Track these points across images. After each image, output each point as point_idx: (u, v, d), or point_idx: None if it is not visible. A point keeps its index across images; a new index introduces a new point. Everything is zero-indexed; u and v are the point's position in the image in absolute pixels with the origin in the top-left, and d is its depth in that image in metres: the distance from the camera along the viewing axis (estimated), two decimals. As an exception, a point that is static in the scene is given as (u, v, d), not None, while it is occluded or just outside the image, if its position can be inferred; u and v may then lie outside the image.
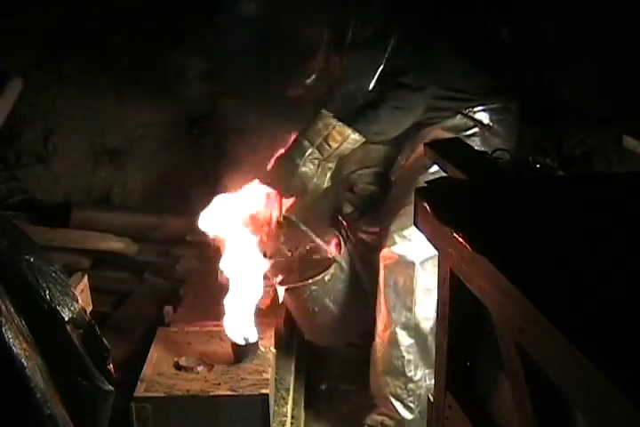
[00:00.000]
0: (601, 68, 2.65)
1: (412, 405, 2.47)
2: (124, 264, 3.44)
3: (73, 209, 3.44)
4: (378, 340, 2.48)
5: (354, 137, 2.35)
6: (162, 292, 3.15)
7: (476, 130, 2.48)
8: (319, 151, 2.35)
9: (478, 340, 1.40)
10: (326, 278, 2.47)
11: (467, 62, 2.47)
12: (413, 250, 2.33)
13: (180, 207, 3.56)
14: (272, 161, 2.43)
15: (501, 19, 2.57)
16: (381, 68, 2.32)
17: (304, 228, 2.48)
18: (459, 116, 2.49)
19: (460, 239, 1.22)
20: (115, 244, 3.41)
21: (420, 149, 2.48)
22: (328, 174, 2.41)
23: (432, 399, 1.62)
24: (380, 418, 2.54)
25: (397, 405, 2.47)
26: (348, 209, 2.80)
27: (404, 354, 2.42)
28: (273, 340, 2.53)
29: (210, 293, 2.68)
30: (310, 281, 2.46)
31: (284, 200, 2.46)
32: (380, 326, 2.46)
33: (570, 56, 2.69)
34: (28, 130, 3.58)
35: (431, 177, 2.29)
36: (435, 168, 2.38)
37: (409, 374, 2.44)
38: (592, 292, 1.05)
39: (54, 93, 3.56)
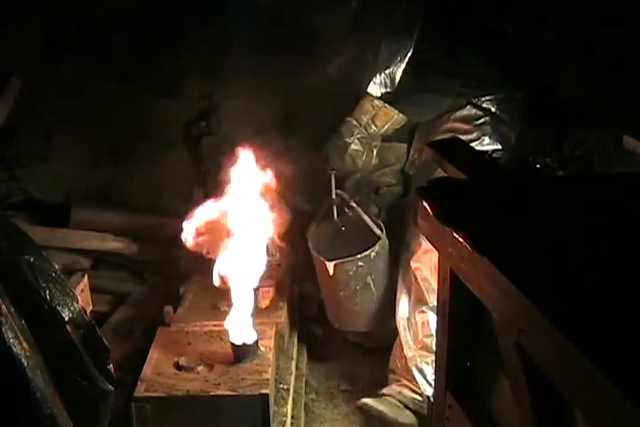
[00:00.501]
0: (601, 68, 2.64)
1: (433, 382, 2.49)
2: (124, 264, 3.44)
3: (73, 209, 3.44)
4: (402, 321, 2.56)
5: (398, 118, 2.51)
6: (162, 292, 3.15)
7: (486, 119, 2.57)
8: (366, 131, 2.52)
9: (478, 340, 1.40)
10: (372, 255, 2.59)
11: (477, 55, 2.57)
12: None
13: (180, 207, 3.56)
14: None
15: (503, 19, 2.59)
16: (408, 56, 2.45)
17: (354, 205, 2.64)
18: (468, 107, 2.59)
19: (460, 239, 1.22)
20: (114, 244, 3.41)
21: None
22: (375, 151, 2.59)
23: (432, 399, 1.62)
24: (398, 389, 2.57)
25: (420, 379, 2.51)
26: (373, 210, 2.88)
27: (434, 333, 2.47)
28: (273, 340, 2.53)
29: (210, 293, 2.69)
30: (359, 256, 2.57)
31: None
32: (411, 305, 2.55)
33: (570, 56, 2.69)
34: (28, 130, 3.58)
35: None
36: None
37: None
38: (592, 292, 1.05)
39: (54, 93, 3.56)
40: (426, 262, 2.52)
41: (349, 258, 2.58)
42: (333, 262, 2.58)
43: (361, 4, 2.57)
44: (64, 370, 1.51)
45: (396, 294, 2.64)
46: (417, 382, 2.53)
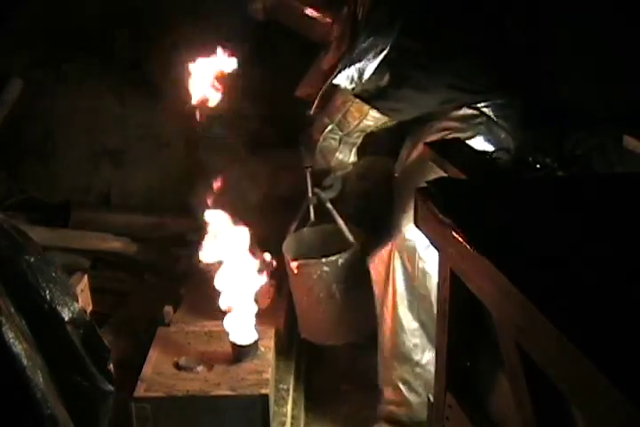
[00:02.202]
0: (601, 67, 2.64)
1: (419, 389, 2.46)
2: (124, 264, 3.44)
3: (73, 209, 3.44)
4: (384, 325, 2.48)
5: (373, 114, 2.38)
6: (162, 292, 3.15)
7: (482, 119, 2.49)
8: (339, 128, 2.41)
9: (478, 340, 1.40)
10: (339, 262, 2.48)
11: (474, 55, 2.47)
12: (419, 236, 2.32)
13: (180, 207, 3.57)
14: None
15: (503, 16, 2.56)
16: (385, 52, 2.34)
17: (329, 206, 2.55)
18: (464, 108, 2.49)
19: (460, 239, 1.22)
20: (114, 244, 3.41)
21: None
22: (353, 149, 2.47)
23: (432, 399, 1.62)
24: (388, 408, 2.52)
25: (404, 389, 2.46)
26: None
27: (411, 338, 2.42)
28: (273, 340, 2.53)
29: (210, 293, 2.68)
30: (324, 260, 2.48)
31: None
32: (385, 310, 2.46)
33: (570, 56, 2.69)
34: (28, 130, 3.58)
35: (434, 172, 2.31)
36: None
37: (416, 358, 2.43)
38: (592, 292, 1.05)
39: (54, 93, 3.56)
40: (401, 260, 2.40)
41: (313, 260, 2.49)
42: (297, 262, 2.51)
43: (353, 8, 2.47)
44: (64, 370, 1.51)
45: (368, 306, 2.55)
46: (401, 392, 2.46)
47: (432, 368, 2.36)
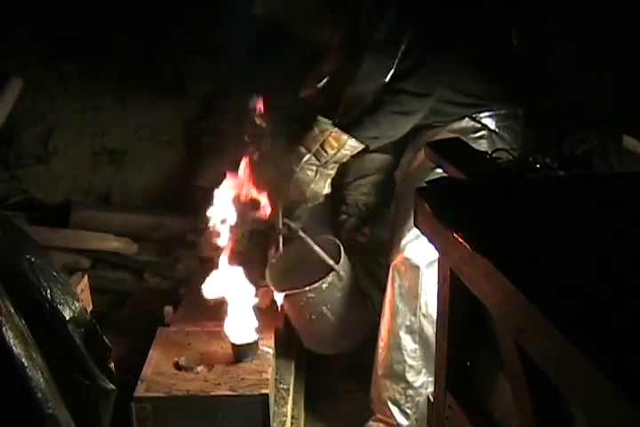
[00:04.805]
0: (601, 68, 2.65)
1: (409, 411, 2.42)
2: (124, 264, 3.44)
3: (73, 209, 3.44)
4: (381, 343, 2.44)
5: (351, 143, 2.34)
6: (162, 292, 3.15)
7: (483, 133, 2.45)
8: (316, 158, 2.34)
9: (478, 340, 1.41)
10: (323, 286, 2.45)
11: (478, 66, 2.45)
12: (419, 253, 2.30)
13: (180, 207, 3.57)
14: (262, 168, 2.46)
15: (507, 20, 2.55)
16: (392, 71, 2.30)
17: (303, 235, 2.48)
18: (466, 119, 2.47)
19: (460, 239, 1.22)
20: (114, 244, 3.41)
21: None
22: (328, 181, 2.41)
23: (432, 399, 1.62)
24: (375, 425, 2.49)
25: (394, 410, 2.42)
26: (342, 217, 2.80)
27: (407, 359, 2.37)
28: (273, 340, 2.53)
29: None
30: (307, 288, 2.44)
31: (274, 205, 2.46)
32: (383, 329, 2.42)
33: (570, 56, 2.69)
34: (28, 130, 3.58)
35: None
36: (440, 169, 2.40)
37: (410, 380, 2.39)
38: (592, 292, 1.05)
39: (54, 93, 3.56)
40: (404, 277, 2.35)
41: (297, 290, 2.45)
42: (282, 294, 2.47)
43: (354, 19, 2.44)
44: (65, 369, 1.51)
45: (366, 314, 2.55)
46: (391, 413, 2.43)
47: (425, 391, 2.36)
